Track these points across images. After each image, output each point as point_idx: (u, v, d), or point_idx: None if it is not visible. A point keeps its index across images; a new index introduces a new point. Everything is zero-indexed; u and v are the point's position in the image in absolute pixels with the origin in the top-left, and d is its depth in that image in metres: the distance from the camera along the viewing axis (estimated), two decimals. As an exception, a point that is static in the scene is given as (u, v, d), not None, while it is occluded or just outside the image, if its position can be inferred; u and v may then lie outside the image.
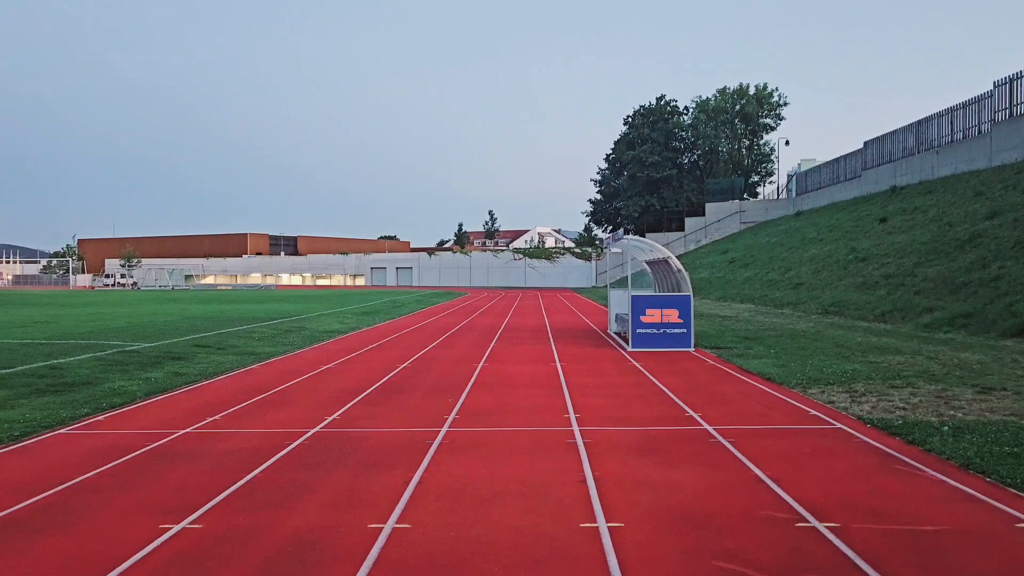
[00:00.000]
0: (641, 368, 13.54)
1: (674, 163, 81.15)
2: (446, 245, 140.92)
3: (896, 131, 43.04)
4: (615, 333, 20.84)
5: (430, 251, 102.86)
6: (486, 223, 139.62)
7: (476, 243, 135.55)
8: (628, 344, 16.53)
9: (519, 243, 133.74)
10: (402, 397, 10.60)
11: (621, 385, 11.64)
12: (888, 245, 29.63)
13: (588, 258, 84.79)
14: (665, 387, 11.29)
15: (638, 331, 16.26)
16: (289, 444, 7.70)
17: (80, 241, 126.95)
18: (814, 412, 9.11)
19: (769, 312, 27.18)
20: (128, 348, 16.07)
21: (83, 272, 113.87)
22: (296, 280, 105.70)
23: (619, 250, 22.86)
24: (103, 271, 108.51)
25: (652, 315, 16.22)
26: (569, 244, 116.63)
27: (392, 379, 12.34)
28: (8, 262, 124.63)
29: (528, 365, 14.14)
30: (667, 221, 78.38)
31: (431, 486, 6.17)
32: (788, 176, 67.23)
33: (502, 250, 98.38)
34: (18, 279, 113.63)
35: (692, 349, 16.11)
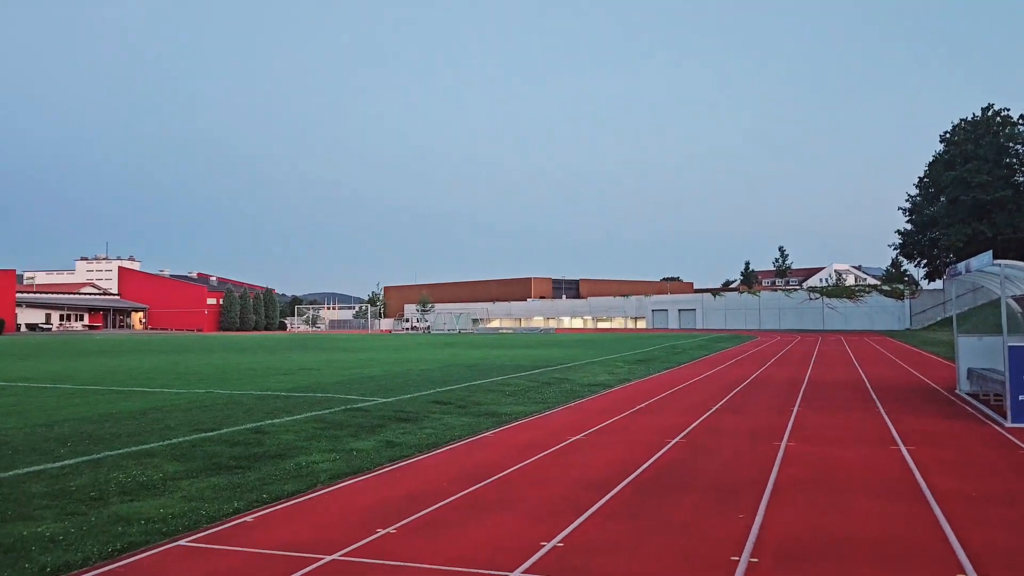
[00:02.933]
0: (1048, 462, 8.69)
1: (1009, 182, 68.59)
2: (732, 285, 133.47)
3: None
4: (967, 394, 15.43)
5: (714, 292, 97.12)
6: (776, 261, 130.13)
7: (765, 283, 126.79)
8: (1006, 417, 11.44)
9: (813, 282, 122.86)
10: (665, 504, 7.02)
11: (1032, 498, 7.08)
12: None
13: (900, 296, 74.26)
14: (1123, 509, 6.57)
15: (1022, 398, 11.14)
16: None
17: (385, 288, 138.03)
18: None
19: None
20: (360, 404, 14.13)
21: (385, 316, 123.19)
22: (577, 323, 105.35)
23: (978, 282, 17.34)
24: (403, 315, 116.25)
25: (1045, 375, 11.04)
26: (873, 281, 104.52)
27: (656, 465, 8.79)
28: (329, 308, 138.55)
29: (855, 448, 9.82)
30: (1001, 251, 66.06)
31: None
32: None
33: (795, 289, 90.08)
34: (333, 323, 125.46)
35: (1116, 427, 10.69)
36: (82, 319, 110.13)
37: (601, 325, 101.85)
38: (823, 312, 78.72)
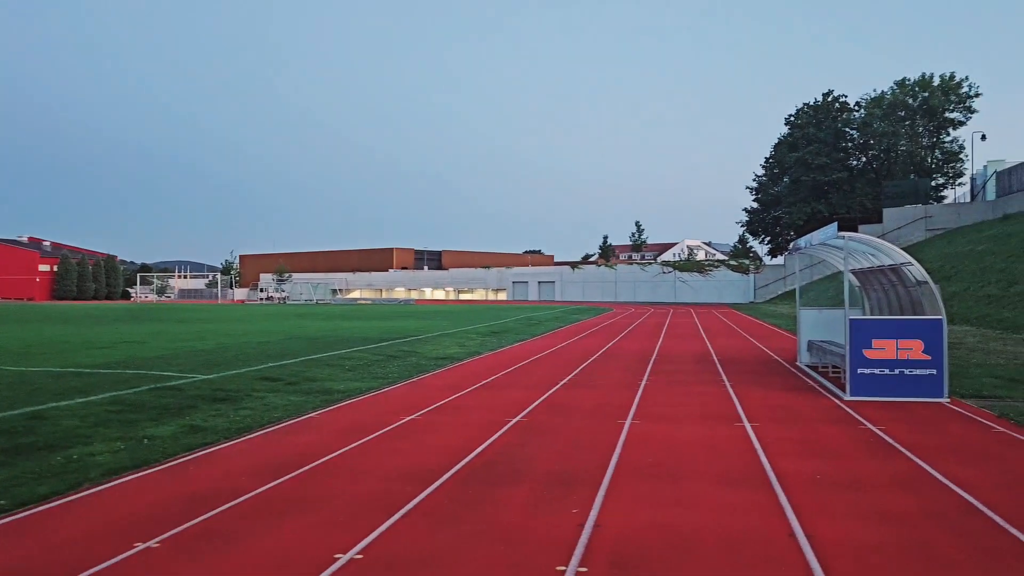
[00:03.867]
0: (887, 438, 8.51)
1: (844, 165, 72.86)
2: (591, 259, 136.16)
3: None
4: (807, 366, 15.63)
5: (573, 264, 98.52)
6: (632, 235, 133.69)
7: (622, 256, 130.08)
8: (844, 390, 11.41)
9: (667, 256, 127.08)
10: (494, 498, 6.19)
11: (870, 475, 6.73)
12: None
13: (745, 271, 77.66)
14: (953, 483, 6.30)
15: (860, 371, 11.11)
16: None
17: (241, 256, 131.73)
18: None
19: (1006, 337, 20.88)
20: (174, 382, 12.59)
21: (241, 286, 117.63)
22: (439, 295, 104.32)
23: (818, 256, 17.59)
24: (258, 285, 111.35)
25: (883, 348, 11.03)
26: (721, 257, 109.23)
27: (490, 450, 7.96)
28: (180, 276, 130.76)
29: (700, 425, 9.38)
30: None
31: None
32: (974, 176, 58.22)
33: (650, 263, 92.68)
34: (183, 292, 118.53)
35: (946, 399, 10.82)
36: None
37: (463, 297, 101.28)
38: (675, 285, 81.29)
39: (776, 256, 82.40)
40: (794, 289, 17.18)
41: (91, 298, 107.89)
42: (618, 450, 7.97)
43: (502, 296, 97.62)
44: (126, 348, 19.12)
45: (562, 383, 13.34)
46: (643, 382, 13.46)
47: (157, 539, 5.18)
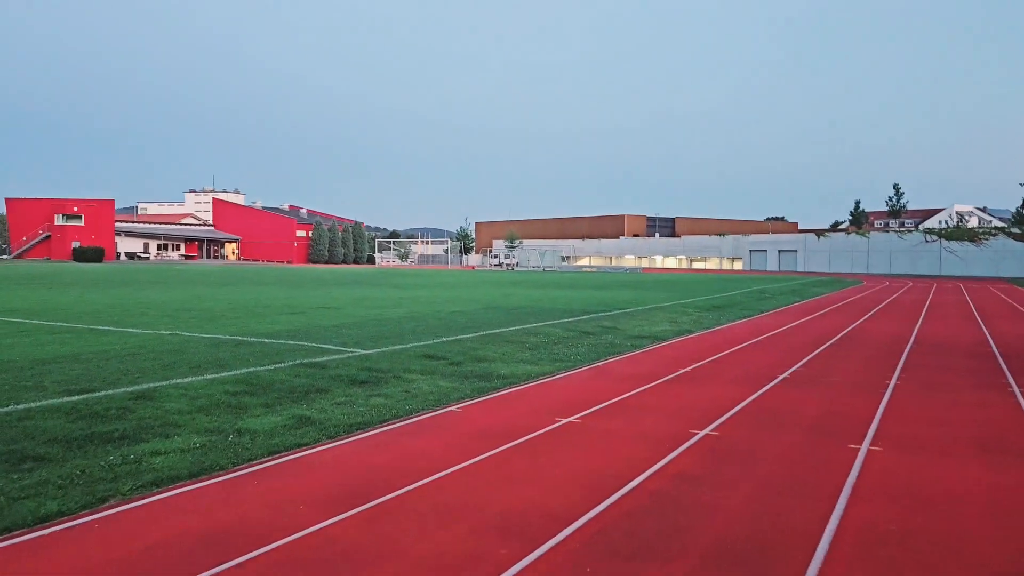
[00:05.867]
0: None
1: None
2: (840, 226, 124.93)
3: None
4: None
5: (819, 232, 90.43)
6: (889, 200, 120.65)
7: (877, 224, 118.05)
8: None
9: (931, 223, 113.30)
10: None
11: None
12: None
13: (1031, 240, 66.51)
14: None
15: None
16: None
17: (477, 224, 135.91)
18: None
19: None
20: (327, 357, 11.39)
21: (475, 252, 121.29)
22: (671, 263, 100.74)
23: None
24: (491, 250, 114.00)
25: None
26: (999, 224, 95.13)
27: (651, 484, 5.63)
28: (424, 242, 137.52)
29: (979, 463, 6.36)
30: None
31: None
32: None
33: (909, 231, 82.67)
34: (423, 258, 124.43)
35: None
36: (179, 248, 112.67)
37: (696, 265, 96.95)
38: (940, 256, 71.67)
39: (1072, 223, 69.76)
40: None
41: (340, 262, 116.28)
42: (843, 499, 5.33)
43: (738, 265, 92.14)
44: (315, 315, 18.66)
45: (780, 378, 10.52)
46: (892, 382, 10.28)
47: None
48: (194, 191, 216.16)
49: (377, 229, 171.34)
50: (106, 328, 14.87)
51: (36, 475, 5.62)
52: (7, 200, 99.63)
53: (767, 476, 5.93)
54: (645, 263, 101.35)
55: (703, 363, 11.88)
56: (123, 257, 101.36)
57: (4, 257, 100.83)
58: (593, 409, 8.26)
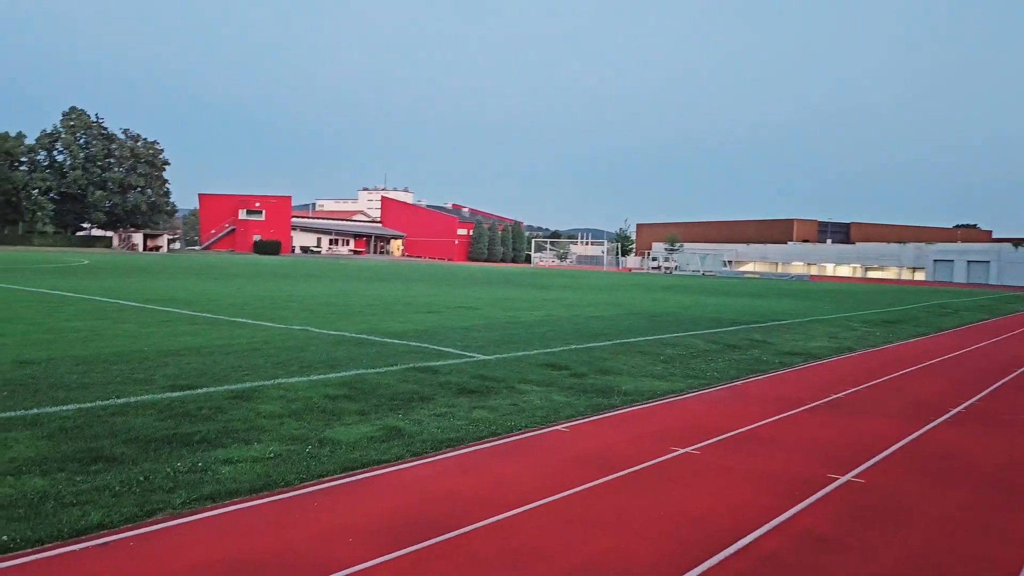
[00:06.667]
0: None
1: None
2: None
3: None
4: None
5: (1017, 242, 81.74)
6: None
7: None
8: None
9: None
10: None
11: None
12: None
13: None
14: None
15: None
16: None
17: (637, 225, 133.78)
18: None
19: None
20: (442, 361, 10.88)
21: (635, 254, 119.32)
22: (843, 271, 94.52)
23: None
24: (649, 253, 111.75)
25: None
26: None
27: (764, 544, 4.61)
28: (583, 243, 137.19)
29: None
30: None
31: None
32: None
33: None
34: (581, 259, 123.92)
35: None
36: (348, 244, 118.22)
37: (871, 275, 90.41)
38: None
39: None
40: None
41: (499, 261, 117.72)
42: (1022, 590, 4.10)
43: (919, 276, 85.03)
44: (449, 315, 18.36)
45: (954, 412, 8.96)
46: (1099, 426, 8.48)
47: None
48: (367, 189, 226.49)
49: (539, 229, 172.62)
50: (243, 320, 15.20)
51: (100, 479, 5.37)
52: (200, 196, 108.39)
53: (922, 545, 4.74)
54: (814, 271, 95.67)
55: (859, 388, 10.41)
56: (298, 251, 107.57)
57: (195, 248, 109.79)
58: (717, 439, 7.22)
